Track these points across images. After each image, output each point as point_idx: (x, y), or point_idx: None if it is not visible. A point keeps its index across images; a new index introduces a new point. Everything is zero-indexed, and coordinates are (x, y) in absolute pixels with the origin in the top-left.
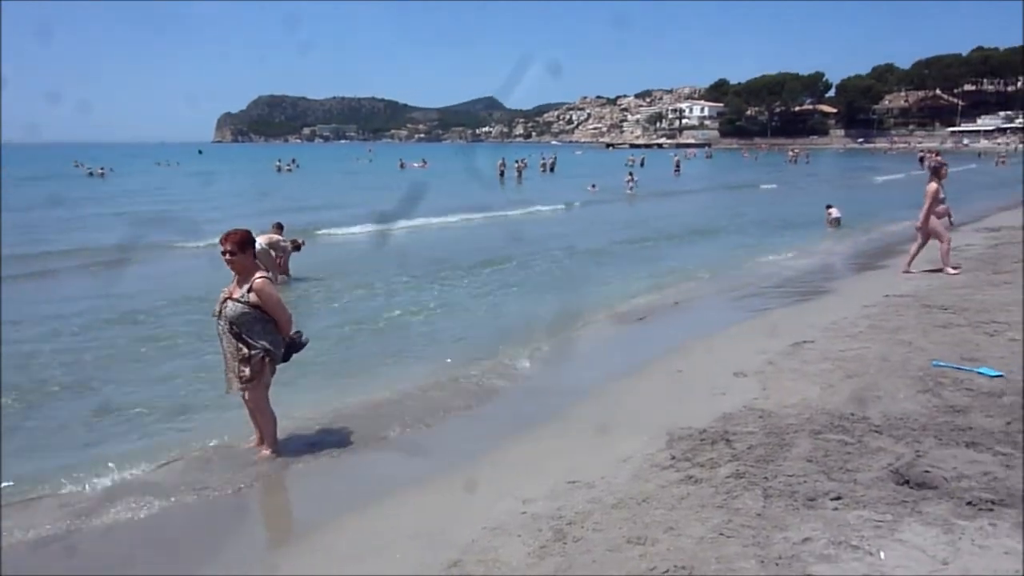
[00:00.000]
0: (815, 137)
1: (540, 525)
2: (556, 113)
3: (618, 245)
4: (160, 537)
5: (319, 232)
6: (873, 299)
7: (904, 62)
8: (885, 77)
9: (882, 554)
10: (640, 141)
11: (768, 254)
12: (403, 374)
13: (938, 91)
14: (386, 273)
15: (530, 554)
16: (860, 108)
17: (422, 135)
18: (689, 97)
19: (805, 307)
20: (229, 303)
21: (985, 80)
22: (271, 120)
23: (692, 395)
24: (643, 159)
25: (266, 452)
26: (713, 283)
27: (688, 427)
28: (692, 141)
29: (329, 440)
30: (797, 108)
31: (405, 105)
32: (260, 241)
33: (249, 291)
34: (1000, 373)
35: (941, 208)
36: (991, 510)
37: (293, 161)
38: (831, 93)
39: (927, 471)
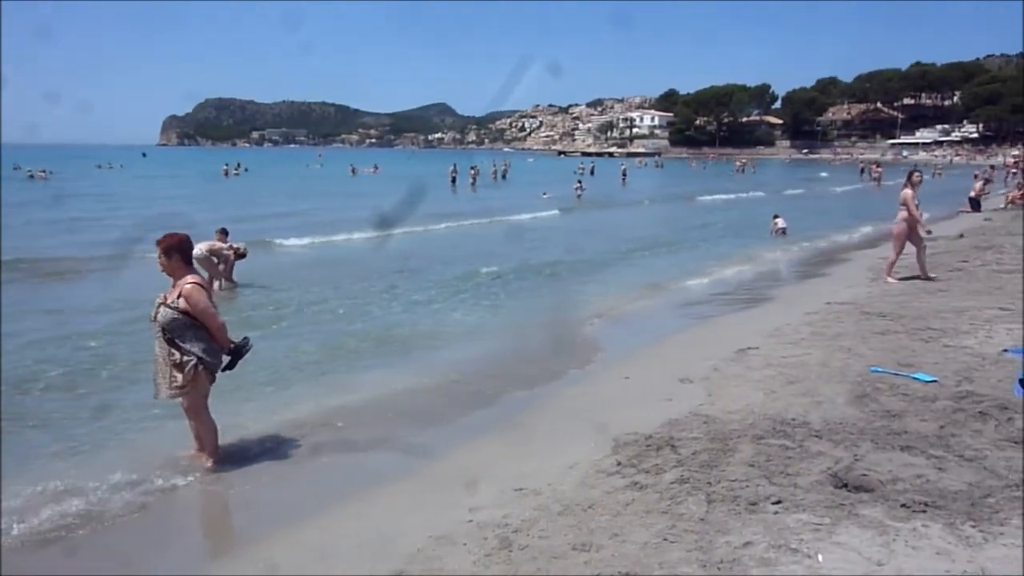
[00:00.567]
0: (762, 147)
1: (486, 533)
2: (509, 120)
3: (566, 256)
4: (92, 550)
5: (270, 241)
6: (815, 306)
7: (847, 76)
8: (829, 90)
9: (820, 557)
10: (592, 149)
11: (713, 263)
12: (348, 383)
13: (879, 104)
14: (336, 282)
15: (475, 563)
16: (805, 120)
17: (373, 140)
18: (640, 107)
19: (750, 314)
20: (162, 308)
21: (923, 94)
22: (218, 123)
23: (639, 401)
24: (593, 167)
25: (207, 462)
26: (660, 291)
27: (634, 433)
28: (642, 150)
29: (272, 449)
30: (744, 119)
31: (356, 110)
32: (201, 248)
33: (179, 296)
34: (934, 378)
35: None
36: (924, 512)
37: (239, 165)
38: (777, 105)
39: (864, 474)
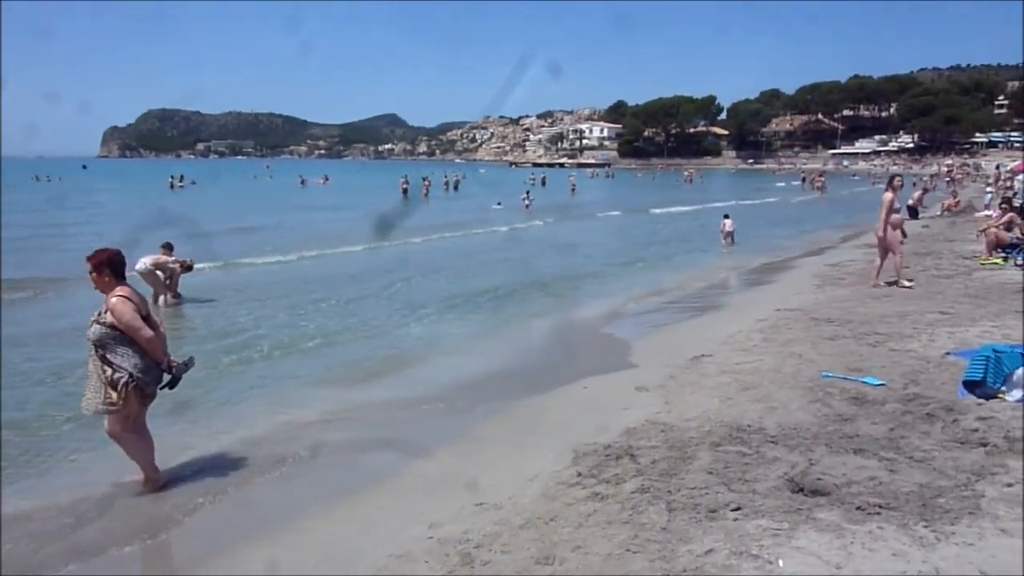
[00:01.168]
0: (708, 158)
1: (447, 550)
2: (460, 132)
3: (519, 272)
4: None
5: (224, 259)
6: (765, 313)
7: (789, 88)
8: (772, 101)
9: (780, 562)
10: (543, 160)
11: (665, 272)
12: (299, 399)
13: (820, 116)
14: (288, 299)
15: None
16: (750, 131)
17: (323, 152)
18: (589, 118)
19: (703, 321)
20: (94, 324)
21: (861, 106)
22: (162, 135)
23: (597, 411)
24: (544, 178)
25: (144, 485)
26: (613, 300)
27: (594, 443)
28: (592, 161)
29: (222, 470)
30: (692, 130)
31: (305, 121)
32: (145, 262)
33: (107, 311)
34: (882, 382)
35: (896, 218)
36: (879, 514)
37: (182, 177)
38: (723, 116)
39: (819, 479)
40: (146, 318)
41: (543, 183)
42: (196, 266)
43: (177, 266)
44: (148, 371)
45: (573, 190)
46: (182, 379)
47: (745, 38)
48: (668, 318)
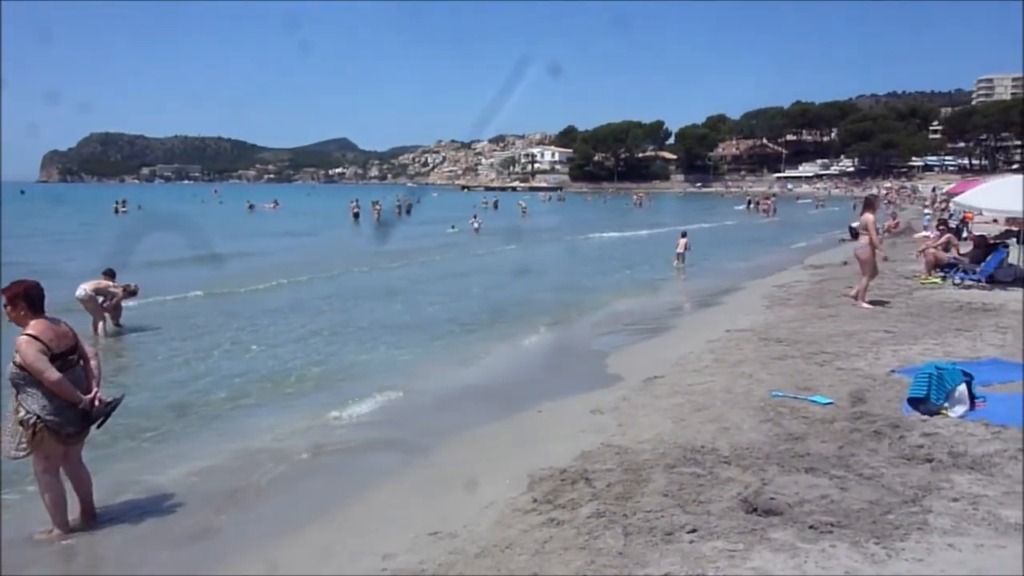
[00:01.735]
0: (657, 181)
1: None
2: (411, 156)
3: (467, 293)
4: None
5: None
6: (716, 334)
7: (734, 113)
8: (718, 126)
9: None
10: (495, 184)
11: (615, 295)
12: (242, 429)
13: (764, 140)
14: (227, 328)
15: None
16: (697, 155)
17: (272, 176)
18: (540, 143)
19: (654, 343)
20: (10, 363)
21: (804, 131)
22: (105, 159)
23: (552, 435)
24: (496, 201)
25: (54, 533)
26: (566, 324)
27: (549, 467)
28: (544, 184)
29: (156, 504)
30: (641, 154)
31: (253, 145)
32: (85, 288)
33: (16, 350)
34: (831, 400)
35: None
36: (831, 532)
37: (125, 202)
38: (671, 140)
39: (772, 498)
40: (64, 354)
41: (495, 206)
42: (140, 294)
43: (119, 291)
44: (60, 412)
45: (524, 212)
46: (113, 415)
47: (692, 64)
48: (621, 340)
